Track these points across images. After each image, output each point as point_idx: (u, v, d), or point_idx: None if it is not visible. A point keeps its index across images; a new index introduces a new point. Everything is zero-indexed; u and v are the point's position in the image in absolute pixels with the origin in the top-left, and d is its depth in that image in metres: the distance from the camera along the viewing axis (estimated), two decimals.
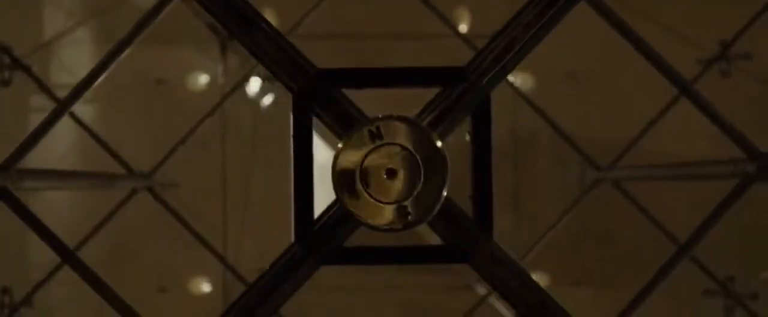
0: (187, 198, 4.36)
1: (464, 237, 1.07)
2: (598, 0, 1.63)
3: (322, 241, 1.09)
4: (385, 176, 1.04)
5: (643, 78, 3.99)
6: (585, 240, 5.20)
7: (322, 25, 4.20)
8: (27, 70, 3.42)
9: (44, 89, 3.19)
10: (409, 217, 1.04)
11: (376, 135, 1.04)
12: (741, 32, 3.29)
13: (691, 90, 1.82)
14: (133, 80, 5.03)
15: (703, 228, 1.81)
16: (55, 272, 3.93)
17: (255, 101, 5.32)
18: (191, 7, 4.56)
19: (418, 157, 1.04)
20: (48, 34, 5.13)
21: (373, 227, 1.05)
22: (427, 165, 1.03)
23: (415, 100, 1.14)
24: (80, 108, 4.72)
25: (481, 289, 4.72)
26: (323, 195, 1.18)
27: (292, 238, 1.11)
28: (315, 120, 1.09)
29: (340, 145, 1.06)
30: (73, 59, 5.02)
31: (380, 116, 1.05)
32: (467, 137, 1.11)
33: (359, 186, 1.04)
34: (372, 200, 1.04)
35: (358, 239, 1.20)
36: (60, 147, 4.36)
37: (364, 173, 1.04)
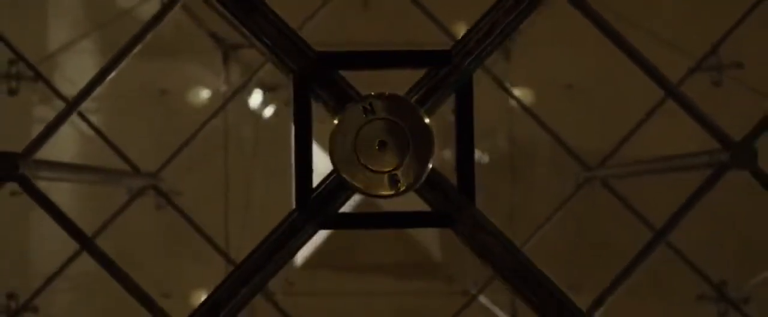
0: (190, 205, 4.44)
1: (449, 204, 1.17)
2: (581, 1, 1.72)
3: (320, 207, 1.19)
4: (377, 148, 1.14)
5: (636, 90, 4.10)
6: (581, 246, 5.28)
7: (321, 33, 4.30)
8: (44, 79, 3.52)
9: (57, 94, 3.30)
10: (399, 185, 1.14)
11: (368, 111, 1.14)
12: (726, 35, 3.41)
13: (674, 89, 1.92)
14: (138, 90, 5.12)
15: (678, 215, 1.91)
16: (59, 272, 3.99)
17: (256, 112, 5.41)
18: (195, 18, 4.66)
19: (406, 130, 1.14)
20: (51, 45, 5.21)
21: (366, 194, 1.15)
22: (415, 138, 1.14)
23: (405, 80, 1.24)
24: (94, 117, 4.83)
25: (480, 296, 4.80)
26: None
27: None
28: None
29: (336, 121, 1.16)
30: (76, 70, 5.08)
31: (372, 93, 1.16)
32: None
33: (353, 157, 1.14)
34: (365, 170, 1.14)
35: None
36: (64, 157, 4.45)
37: (358, 145, 1.14)
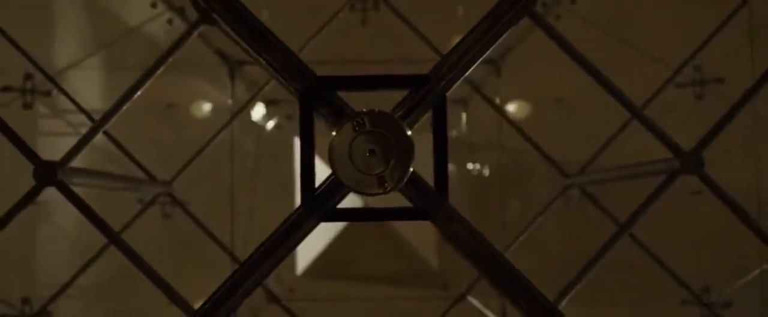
0: (198, 213, 4.63)
1: (427, 201, 1.43)
2: (549, 26, 1.96)
3: (321, 203, 1.44)
4: (367, 155, 1.40)
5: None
6: (572, 254, 5.49)
7: (323, 50, 4.52)
8: (65, 94, 3.76)
9: (79, 108, 3.54)
10: (386, 185, 1.40)
11: (361, 125, 1.40)
12: (696, 52, 3.66)
13: (635, 109, 2.17)
14: (147, 104, 5.33)
15: (638, 212, 2.16)
16: (72, 281, 4.18)
17: (259, 124, 5.62)
18: (202, 36, 4.87)
19: (392, 141, 1.39)
20: (58, 62, 5.39)
21: (358, 192, 1.40)
22: (399, 147, 1.39)
23: (391, 98, 1.50)
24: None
25: (472, 299, 5.00)
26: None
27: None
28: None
29: (333, 132, 1.41)
30: (83, 86, 5.24)
31: (364, 110, 1.41)
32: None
33: (348, 162, 1.39)
34: (358, 173, 1.40)
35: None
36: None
37: (352, 153, 1.39)
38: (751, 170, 5.44)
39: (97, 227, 2.03)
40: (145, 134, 5.35)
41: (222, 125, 4.25)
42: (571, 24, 5.42)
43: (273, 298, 3.82)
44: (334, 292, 5.63)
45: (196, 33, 1.98)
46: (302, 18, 5.16)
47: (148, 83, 2.02)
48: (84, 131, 5.62)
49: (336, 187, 1.45)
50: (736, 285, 5.01)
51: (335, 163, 1.40)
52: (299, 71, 1.43)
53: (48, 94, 4.98)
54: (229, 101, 5.25)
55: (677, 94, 5.11)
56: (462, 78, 1.43)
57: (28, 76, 4.92)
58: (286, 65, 1.43)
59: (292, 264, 5.58)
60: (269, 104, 5.51)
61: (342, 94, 1.45)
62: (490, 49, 1.42)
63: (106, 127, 2.23)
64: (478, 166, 5.66)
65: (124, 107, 2.18)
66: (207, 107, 5.57)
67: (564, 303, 2.04)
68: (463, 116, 5.64)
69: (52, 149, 4.74)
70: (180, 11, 4.84)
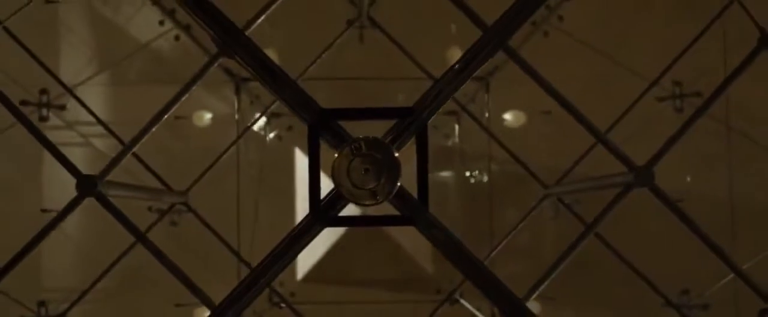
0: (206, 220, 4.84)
1: (411, 209, 1.74)
2: (518, 57, 2.25)
3: (325, 212, 1.75)
4: (363, 173, 1.70)
5: (609, 115, 4.58)
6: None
7: (323, 66, 4.79)
8: (88, 109, 4.02)
9: (102, 124, 3.81)
10: (378, 197, 1.70)
11: (357, 148, 1.70)
12: (668, 68, 3.95)
13: (600, 133, 2.45)
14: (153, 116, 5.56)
15: (599, 217, 2.45)
16: (92, 287, 4.42)
17: (261, 135, 5.88)
18: (209, 53, 5.11)
19: (383, 161, 1.70)
20: (65, 77, 5.60)
21: (355, 203, 1.71)
22: (388, 166, 1.70)
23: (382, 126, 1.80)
24: (106, 141, 5.22)
25: (463, 301, 5.27)
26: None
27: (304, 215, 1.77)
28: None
29: (335, 154, 1.72)
30: (89, 100, 5.51)
31: (360, 136, 1.72)
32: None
33: (347, 179, 1.70)
34: (355, 187, 1.71)
35: None
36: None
37: (350, 171, 1.70)
38: (724, 180, 5.75)
39: (132, 232, 2.33)
40: (154, 145, 5.57)
41: (227, 136, 4.46)
42: (559, 40, 5.71)
43: (280, 298, 4.10)
44: (333, 296, 5.90)
45: (216, 64, 2.27)
46: (303, 31, 5.45)
47: (171, 104, 2.31)
48: (95, 141, 5.83)
49: (337, 199, 1.75)
50: (713, 289, 5.18)
51: (336, 179, 1.70)
52: (307, 104, 1.74)
53: (62, 107, 5.22)
54: (236, 116, 5.50)
55: (659, 107, 5.40)
56: (440, 108, 1.73)
57: (43, 91, 5.16)
58: (295, 99, 1.74)
59: (293, 270, 5.86)
60: (271, 116, 5.76)
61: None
62: (465, 83, 1.73)
63: (124, 140, 2.47)
64: (474, 173, 5.94)
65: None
66: (213, 119, 5.81)
67: (532, 299, 2.32)
68: (456, 127, 5.90)
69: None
70: (186, 28, 5.11)
